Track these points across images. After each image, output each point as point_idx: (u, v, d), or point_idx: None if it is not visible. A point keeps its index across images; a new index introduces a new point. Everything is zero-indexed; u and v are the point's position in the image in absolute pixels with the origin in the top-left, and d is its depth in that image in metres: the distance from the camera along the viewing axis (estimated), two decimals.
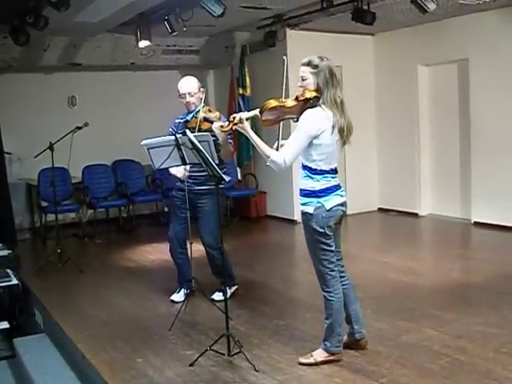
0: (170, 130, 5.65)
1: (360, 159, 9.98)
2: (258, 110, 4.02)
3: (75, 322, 5.34)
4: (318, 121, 3.91)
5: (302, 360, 4.20)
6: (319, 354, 4.17)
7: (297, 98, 4.00)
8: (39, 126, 9.48)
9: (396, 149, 10.00)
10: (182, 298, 5.64)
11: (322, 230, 4.00)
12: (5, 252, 7.21)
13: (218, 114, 5.49)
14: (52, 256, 7.39)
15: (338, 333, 4.15)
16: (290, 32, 9.37)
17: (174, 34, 7.90)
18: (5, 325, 6.17)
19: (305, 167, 4.03)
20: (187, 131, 4.63)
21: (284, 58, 4.17)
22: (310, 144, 3.92)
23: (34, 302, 6.29)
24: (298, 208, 9.58)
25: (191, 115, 5.51)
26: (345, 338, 4.30)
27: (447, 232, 8.85)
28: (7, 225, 8.42)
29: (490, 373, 3.91)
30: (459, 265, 6.88)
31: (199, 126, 5.27)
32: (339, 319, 4.15)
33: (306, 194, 4.04)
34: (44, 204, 9.37)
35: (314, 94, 3.96)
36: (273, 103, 4.00)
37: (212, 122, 5.22)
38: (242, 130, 3.99)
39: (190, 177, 5.46)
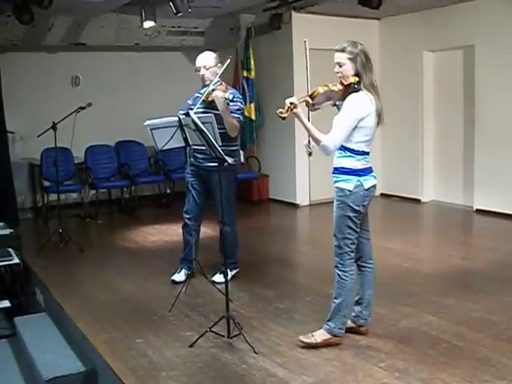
0: (189, 102, 5.72)
1: None
2: (308, 95, 4.03)
3: (76, 302, 5.36)
4: (363, 104, 4.01)
5: (303, 338, 4.21)
6: (321, 335, 4.19)
7: (342, 83, 4.06)
8: (42, 105, 9.47)
9: (399, 134, 9.95)
10: (183, 278, 5.67)
11: (357, 208, 4.06)
12: (7, 231, 7.22)
13: (224, 86, 5.51)
14: (53, 236, 7.41)
15: (344, 314, 4.17)
16: (295, 15, 9.31)
17: (179, 15, 7.85)
18: (6, 303, 6.20)
19: (346, 148, 4.07)
20: (190, 112, 4.63)
21: (305, 40, 4.17)
22: (355, 127, 4.00)
23: (35, 281, 6.31)
24: (300, 191, 9.69)
25: (204, 89, 5.52)
26: (348, 321, 4.32)
27: (449, 219, 8.84)
28: (9, 204, 8.42)
29: (489, 359, 3.92)
30: (460, 251, 6.86)
31: (208, 99, 5.40)
32: (348, 300, 4.18)
33: (345, 171, 4.08)
34: (46, 184, 9.37)
35: (357, 78, 4.05)
36: (322, 89, 4.04)
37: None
38: (295, 116, 3.96)
39: (200, 153, 5.47)
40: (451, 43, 8.95)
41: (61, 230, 7.37)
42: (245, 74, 9.95)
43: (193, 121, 4.51)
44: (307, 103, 4.06)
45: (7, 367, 5.03)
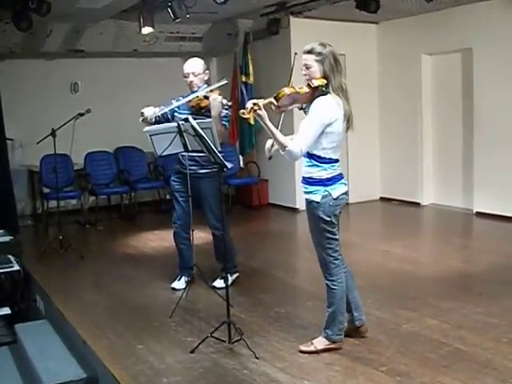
0: (172, 101, 5.59)
1: (362, 148, 9.96)
2: (273, 96, 3.93)
3: (76, 308, 5.35)
4: (331, 108, 3.88)
5: (303, 348, 4.20)
6: (320, 342, 4.18)
7: (309, 86, 3.96)
8: (41, 112, 9.47)
9: (398, 138, 9.97)
10: (183, 286, 5.66)
11: (328, 219, 3.98)
12: (7, 238, 7.22)
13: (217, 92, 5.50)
14: (53, 242, 7.41)
15: (339, 321, 4.15)
16: (293, 20, 9.32)
17: (177, 20, 7.87)
18: (6, 310, 6.20)
19: (311, 156, 3.97)
20: (189, 118, 4.63)
21: (296, 53, 4.17)
22: (322, 132, 3.88)
23: (36, 288, 6.31)
24: (300, 196, 9.62)
25: (193, 96, 5.48)
26: (345, 325, 4.31)
27: (449, 222, 8.84)
28: (9, 211, 8.42)
29: (490, 362, 3.91)
30: (460, 254, 6.87)
31: (199, 104, 5.35)
32: (341, 307, 4.16)
33: (312, 182, 3.99)
34: (46, 190, 9.38)
35: (325, 81, 3.92)
36: (288, 90, 3.94)
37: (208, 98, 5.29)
38: (259, 118, 3.85)
39: (189, 159, 5.45)
40: (449, 46, 8.97)
41: (61, 237, 7.37)
42: (243, 79, 9.96)
43: (192, 126, 4.51)
44: (273, 105, 3.94)
45: (8, 374, 5.03)
